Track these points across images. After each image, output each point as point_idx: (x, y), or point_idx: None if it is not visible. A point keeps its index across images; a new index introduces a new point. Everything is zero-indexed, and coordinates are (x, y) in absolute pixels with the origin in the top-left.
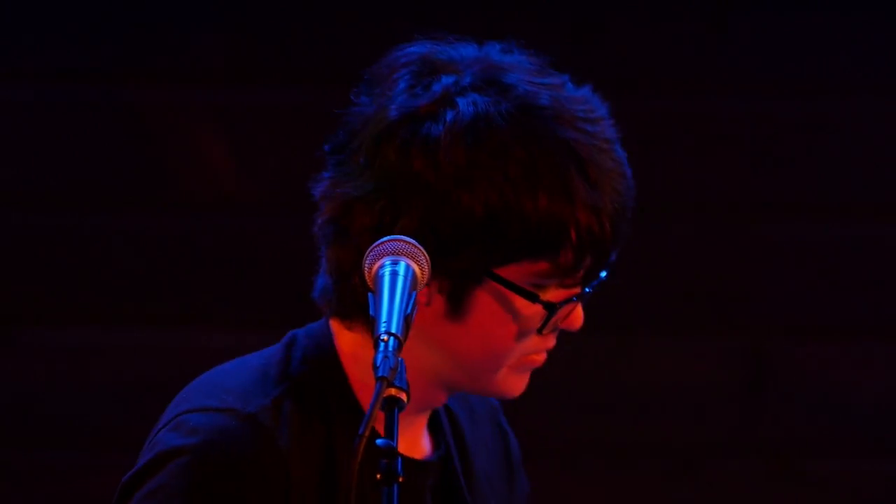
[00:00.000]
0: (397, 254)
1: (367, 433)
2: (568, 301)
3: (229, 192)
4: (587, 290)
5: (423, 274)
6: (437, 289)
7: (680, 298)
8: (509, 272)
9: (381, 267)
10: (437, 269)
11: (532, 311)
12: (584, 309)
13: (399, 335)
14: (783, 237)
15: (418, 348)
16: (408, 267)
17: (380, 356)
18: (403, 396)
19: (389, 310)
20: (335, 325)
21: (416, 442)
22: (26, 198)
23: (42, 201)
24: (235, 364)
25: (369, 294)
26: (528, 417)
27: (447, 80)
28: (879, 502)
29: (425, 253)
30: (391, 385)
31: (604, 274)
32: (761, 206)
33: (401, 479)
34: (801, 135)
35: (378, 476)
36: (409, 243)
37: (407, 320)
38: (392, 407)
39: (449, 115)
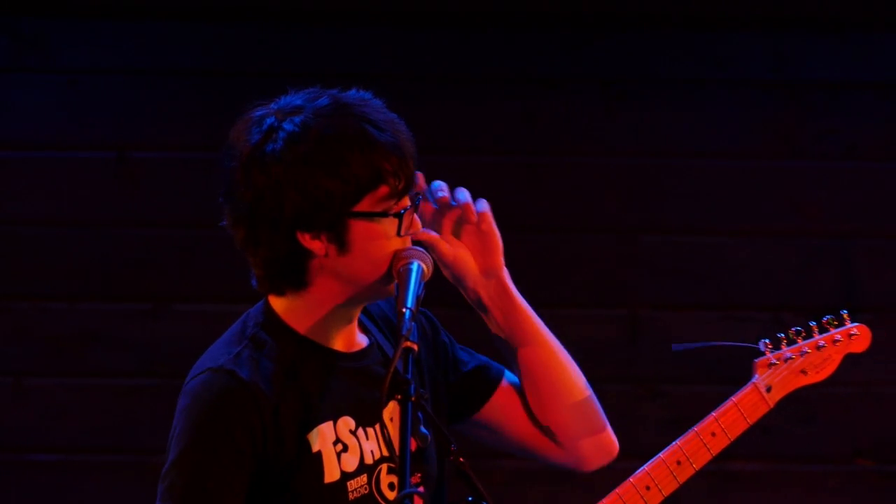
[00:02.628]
0: (412, 258)
1: (392, 367)
2: (407, 209)
3: None
4: (417, 201)
5: (428, 269)
6: (325, 240)
7: (585, 282)
8: (363, 205)
9: (405, 265)
10: (319, 227)
11: (387, 224)
12: (520, 287)
13: (413, 308)
14: (655, 243)
15: (331, 285)
16: (419, 265)
17: (405, 325)
18: (416, 347)
19: (406, 294)
20: (271, 299)
21: (352, 341)
22: None
23: None
24: (216, 342)
25: (395, 283)
26: None
27: (271, 120)
28: (708, 411)
29: (429, 255)
30: (408, 340)
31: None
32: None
33: (413, 399)
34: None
35: (398, 396)
36: (419, 251)
37: (418, 299)
38: (408, 353)
39: (282, 133)
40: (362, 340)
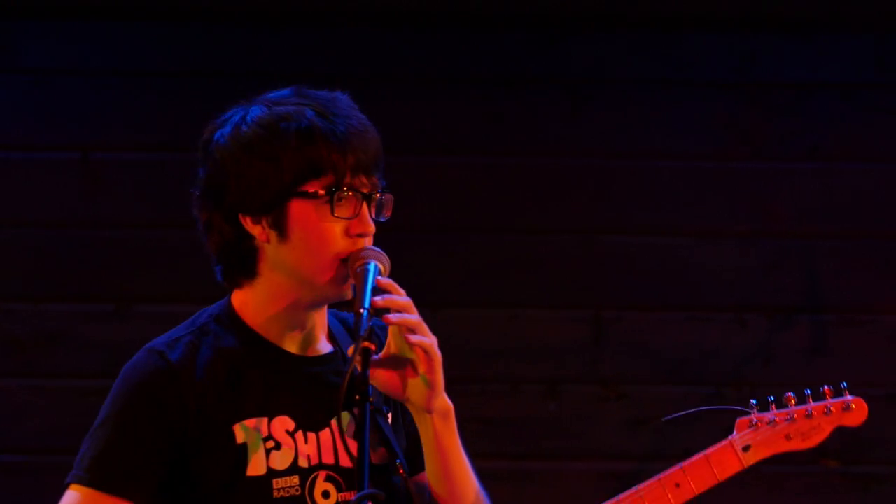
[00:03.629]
0: (369, 258)
1: (350, 370)
2: (339, 193)
3: None
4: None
5: (385, 269)
6: (266, 225)
7: (549, 283)
8: (306, 189)
9: (362, 265)
10: (258, 211)
11: (324, 211)
12: (480, 286)
13: (370, 308)
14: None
15: (275, 279)
16: (376, 266)
17: (363, 325)
18: (374, 347)
19: (363, 294)
20: (233, 294)
21: (309, 346)
22: None
23: None
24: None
25: (352, 284)
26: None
27: (237, 110)
28: (671, 411)
29: (385, 255)
30: (366, 340)
31: (381, 190)
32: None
33: (371, 399)
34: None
35: (357, 397)
36: (376, 251)
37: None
38: (367, 353)
39: (233, 119)
40: (324, 348)
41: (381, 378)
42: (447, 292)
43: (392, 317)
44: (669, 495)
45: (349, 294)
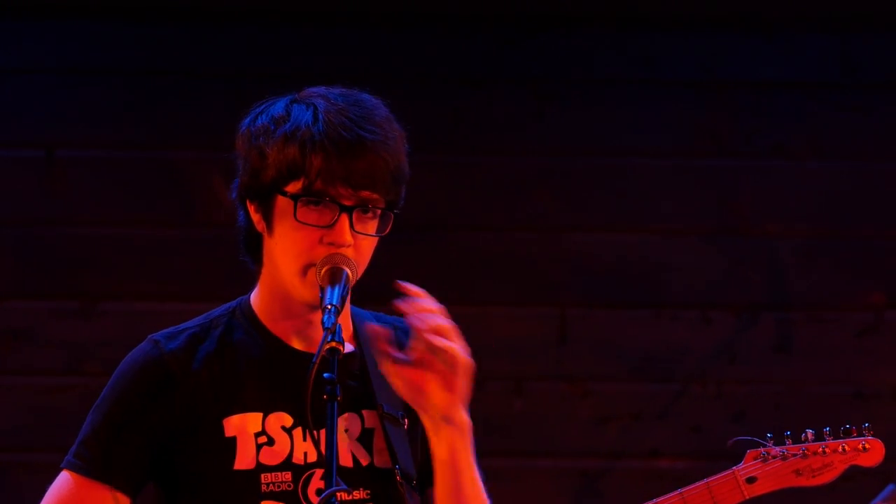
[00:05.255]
0: (337, 262)
1: (315, 368)
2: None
3: None
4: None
5: (353, 274)
6: (261, 215)
7: (515, 281)
8: (287, 189)
9: (329, 269)
10: (256, 199)
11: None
12: (445, 284)
13: (338, 305)
14: (584, 242)
15: (272, 271)
16: (343, 270)
17: (326, 318)
18: (341, 347)
19: (331, 293)
20: (258, 284)
21: (316, 343)
22: None
23: None
24: None
25: (320, 286)
26: None
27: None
28: (638, 410)
29: (353, 262)
30: (333, 340)
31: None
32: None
33: (339, 399)
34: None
35: (325, 396)
36: (342, 256)
37: (342, 299)
38: (333, 353)
39: (256, 110)
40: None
41: (400, 383)
42: None
43: (415, 318)
44: None
45: (315, 299)
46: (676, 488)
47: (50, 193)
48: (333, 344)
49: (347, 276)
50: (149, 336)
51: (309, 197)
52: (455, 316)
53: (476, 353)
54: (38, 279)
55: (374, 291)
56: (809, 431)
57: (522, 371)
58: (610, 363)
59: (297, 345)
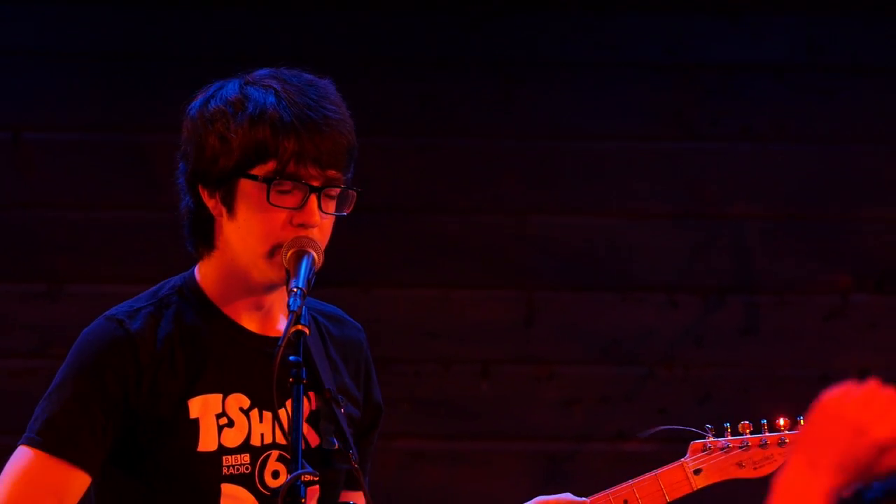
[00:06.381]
0: (301, 245)
1: (281, 351)
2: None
3: None
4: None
5: (318, 258)
6: (218, 200)
7: (481, 264)
8: (253, 172)
9: (294, 252)
10: (212, 185)
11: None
12: (412, 266)
13: (304, 288)
14: (551, 225)
15: (228, 254)
16: (309, 253)
17: (293, 301)
18: (307, 330)
19: (297, 276)
20: (198, 266)
21: (268, 325)
22: None
23: None
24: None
25: (286, 269)
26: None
27: (217, 83)
28: (605, 393)
29: (319, 245)
30: (298, 322)
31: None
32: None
33: (304, 381)
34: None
35: (291, 380)
36: (309, 239)
37: (308, 282)
38: (299, 335)
39: (206, 93)
40: (284, 329)
41: None
42: (379, 272)
43: None
44: None
45: (280, 281)
46: (644, 471)
47: (16, 176)
48: (300, 327)
49: (314, 259)
50: (104, 315)
51: (283, 179)
52: (421, 299)
53: (442, 336)
54: (5, 262)
55: (337, 272)
56: (746, 423)
57: (489, 354)
58: (576, 346)
59: (250, 326)
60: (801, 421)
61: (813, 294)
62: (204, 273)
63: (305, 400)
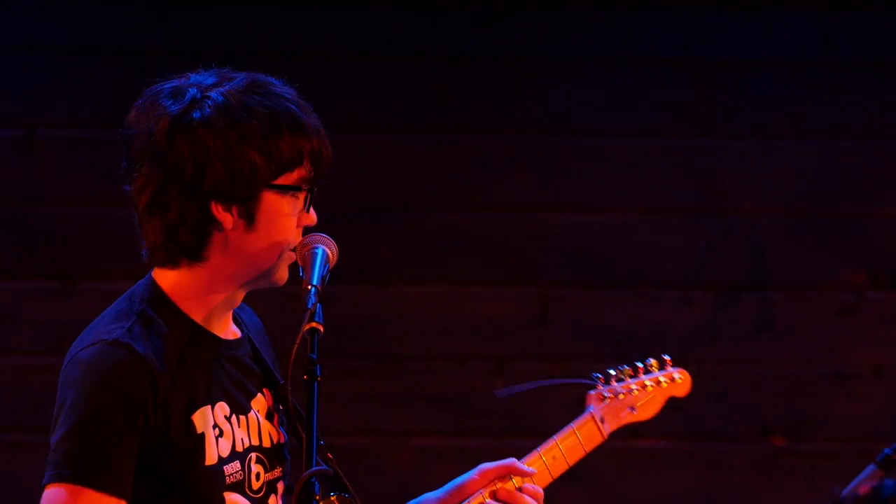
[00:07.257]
0: (317, 243)
1: (295, 349)
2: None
3: None
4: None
5: (333, 255)
6: (236, 213)
7: (496, 260)
8: (279, 182)
9: (310, 249)
10: (233, 200)
11: (293, 204)
12: (426, 264)
13: (318, 286)
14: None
15: (227, 264)
16: (324, 250)
17: (310, 301)
18: (321, 328)
19: (312, 274)
20: (156, 274)
21: (228, 328)
22: None
23: None
24: (102, 315)
25: (300, 265)
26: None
27: (193, 90)
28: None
29: (334, 242)
30: (312, 320)
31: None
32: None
33: (319, 379)
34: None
35: (305, 377)
36: (324, 237)
37: (322, 279)
38: (313, 333)
39: (209, 101)
40: (236, 330)
41: None
42: (393, 270)
43: None
44: (549, 467)
45: (280, 281)
46: (657, 468)
47: (31, 173)
48: (314, 324)
49: (328, 255)
50: (102, 340)
51: (312, 187)
52: (435, 295)
53: (457, 332)
54: (19, 259)
55: (351, 269)
56: (627, 367)
57: (503, 351)
58: (590, 343)
59: (217, 332)
60: (668, 359)
61: (827, 290)
62: (175, 282)
63: (262, 398)
